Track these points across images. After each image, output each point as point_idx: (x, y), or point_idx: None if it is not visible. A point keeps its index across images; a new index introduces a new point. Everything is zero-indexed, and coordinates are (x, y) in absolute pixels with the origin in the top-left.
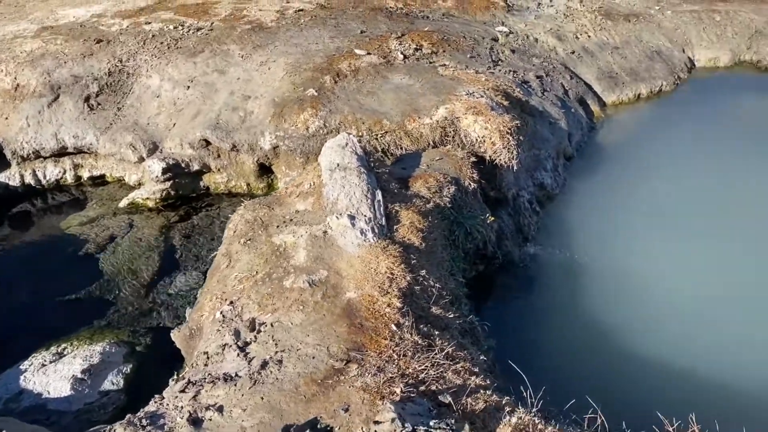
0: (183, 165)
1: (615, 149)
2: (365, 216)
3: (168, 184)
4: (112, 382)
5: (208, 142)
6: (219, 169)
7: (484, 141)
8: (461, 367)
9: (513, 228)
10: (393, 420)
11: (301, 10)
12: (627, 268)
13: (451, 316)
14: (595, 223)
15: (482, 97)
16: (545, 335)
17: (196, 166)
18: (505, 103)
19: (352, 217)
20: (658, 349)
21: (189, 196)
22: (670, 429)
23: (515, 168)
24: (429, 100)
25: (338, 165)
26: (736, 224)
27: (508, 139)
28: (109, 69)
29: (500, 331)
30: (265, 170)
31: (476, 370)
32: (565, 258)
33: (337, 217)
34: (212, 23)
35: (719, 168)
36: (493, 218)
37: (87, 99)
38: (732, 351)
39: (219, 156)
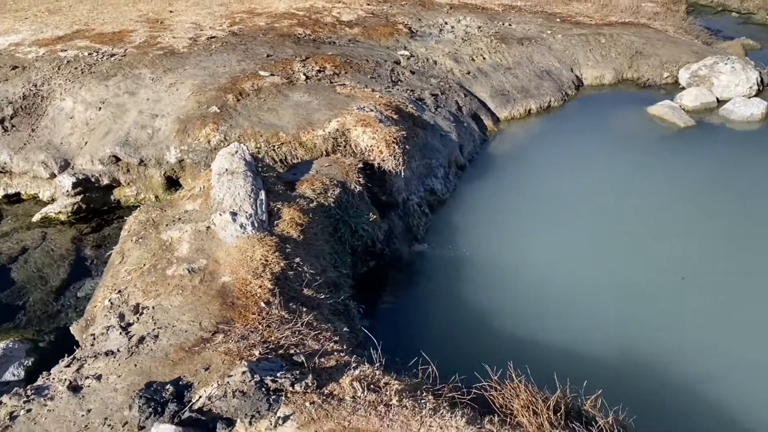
0: (93, 180)
1: (504, 158)
2: (246, 212)
3: (79, 198)
4: (13, 373)
5: (117, 158)
6: (128, 183)
7: (372, 150)
8: (322, 336)
9: (403, 228)
10: (243, 373)
11: (214, 37)
12: (504, 261)
13: (323, 297)
14: (479, 223)
15: (372, 111)
16: (423, 318)
17: (106, 181)
18: (395, 116)
19: (234, 214)
20: (525, 328)
21: (100, 209)
22: (493, 377)
23: (403, 174)
24: (323, 114)
25: (227, 170)
26: (606, 221)
27: (394, 147)
28: (23, 93)
29: (383, 315)
30: (172, 183)
31: (336, 338)
32: (450, 254)
33: (220, 213)
34: (126, 50)
35: (594, 171)
36: (375, 217)
37: (2, 121)
38: (585, 327)
39: (128, 171)
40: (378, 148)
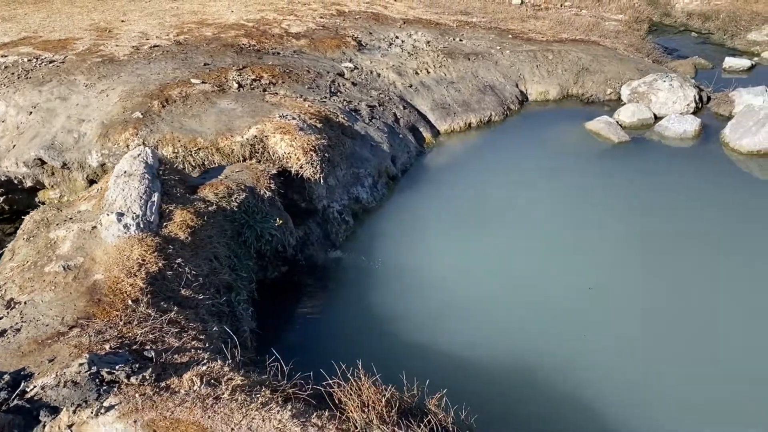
0: (16, 182)
1: (438, 170)
2: (134, 213)
3: (1, 199)
4: None
5: (43, 161)
6: (52, 186)
7: (290, 157)
8: (186, 334)
9: (320, 235)
10: (81, 364)
11: (157, 46)
12: (418, 269)
13: (201, 297)
14: (403, 231)
15: (294, 119)
16: (326, 324)
17: (29, 183)
18: (319, 125)
19: (120, 214)
20: (415, 334)
21: (24, 210)
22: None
23: (325, 182)
24: (245, 121)
25: (125, 172)
26: (525, 232)
27: (312, 155)
28: None
29: (282, 318)
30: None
31: (201, 337)
32: (367, 262)
33: (107, 214)
34: (66, 57)
35: (522, 185)
36: (282, 222)
37: None
38: (477, 334)
39: (53, 174)
40: (295, 155)
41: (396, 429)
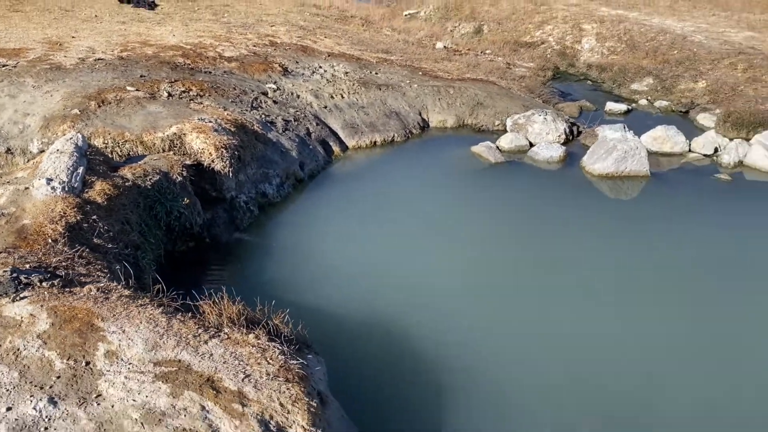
0: None
1: (341, 177)
2: (61, 179)
3: None
4: None
5: None
6: None
7: (203, 152)
8: (92, 267)
9: (227, 219)
10: (5, 271)
11: (101, 59)
12: (306, 249)
13: (110, 246)
14: (300, 221)
15: (211, 123)
16: (220, 287)
17: None
18: (234, 130)
19: (49, 179)
20: (307, 294)
21: None
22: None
23: (234, 176)
24: (168, 122)
25: (58, 150)
26: (409, 226)
27: (222, 152)
28: None
29: (188, 282)
30: None
31: (106, 271)
32: (265, 242)
33: (39, 178)
34: (18, 62)
35: (408, 190)
36: (188, 201)
37: None
38: (346, 294)
39: None
40: (208, 151)
41: (241, 328)
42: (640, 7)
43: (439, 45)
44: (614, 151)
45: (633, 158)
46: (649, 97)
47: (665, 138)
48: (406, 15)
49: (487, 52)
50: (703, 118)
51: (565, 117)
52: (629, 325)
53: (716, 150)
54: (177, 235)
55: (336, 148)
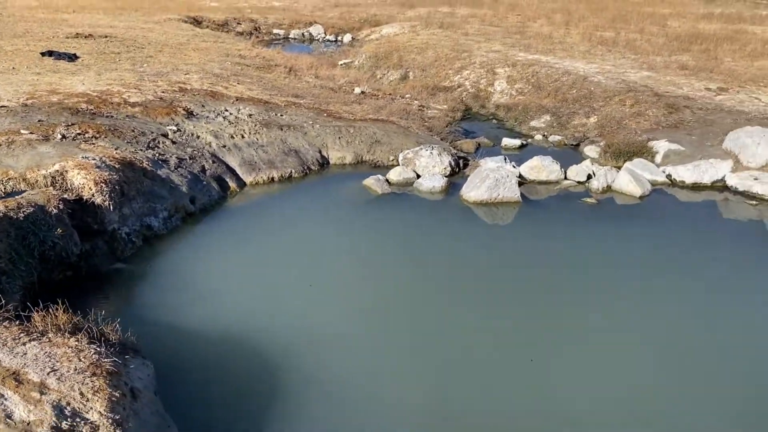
0: None
1: (233, 212)
2: None
3: None
4: None
5: None
6: None
7: (84, 187)
8: None
9: (106, 250)
10: None
11: (4, 106)
12: (190, 275)
13: None
14: (181, 250)
15: (94, 160)
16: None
17: None
18: (118, 166)
19: None
20: (180, 315)
21: None
22: None
23: (116, 209)
24: (54, 160)
25: None
26: (289, 252)
27: (102, 186)
28: None
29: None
30: None
31: None
32: (142, 271)
33: None
34: None
35: (299, 220)
36: (62, 231)
37: None
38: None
39: None
40: (88, 186)
41: (65, 334)
42: (556, 51)
43: (357, 90)
44: (487, 180)
45: (504, 186)
46: (545, 133)
47: (541, 167)
48: (341, 64)
49: (407, 96)
50: (590, 150)
51: (453, 151)
52: (481, 333)
53: (589, 177)
54: (53, 264)
55: (232, 184)
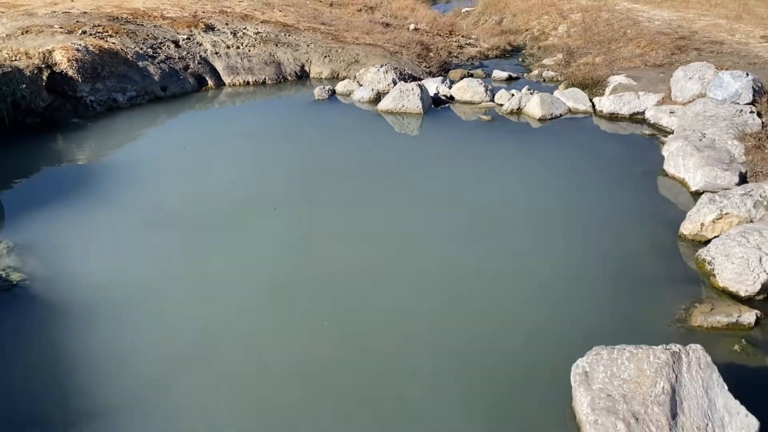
0: None
1: (194, 101)
2: None
3: None
4: None
5: None
6: None
7: (61, 62)
8: None
9: (71, 109)
10: None
11: (68, 12)
12: (125, 135)
13: None
14: (133, 123)
15: (77, 44)
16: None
17: None
18: (98, 52)
19: None
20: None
21: None
22: None
23: (81, 81)
24: (49, 44)
25: None
26: (218, 142)
27: (73, 63)
28: None
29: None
30: None
31: None
32: (93, 126)
33: None
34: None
35: (250, 119)
36: (25, 87)
37: None
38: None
39: None
40: (62, 61)
41: None
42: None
43: (412, 26)
44: (396, 92)
45: (407, 98)
46: (547, 69)
47: (466, 88)
48: (464, 11)
49: (473, 37)
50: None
51: (401, 71)
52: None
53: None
54: (25, 111)
55: (211, 82)
